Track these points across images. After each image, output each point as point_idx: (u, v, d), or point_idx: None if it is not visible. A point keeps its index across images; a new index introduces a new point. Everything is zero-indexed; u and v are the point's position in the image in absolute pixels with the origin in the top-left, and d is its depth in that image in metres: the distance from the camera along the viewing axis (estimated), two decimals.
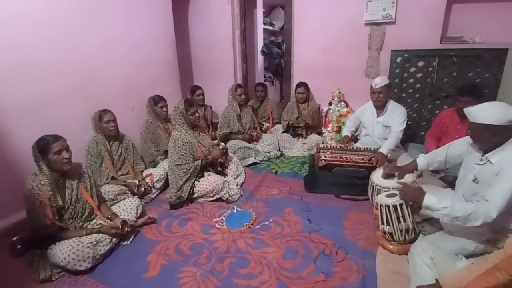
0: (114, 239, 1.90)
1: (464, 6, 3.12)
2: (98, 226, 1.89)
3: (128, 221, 1.96)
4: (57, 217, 1.78)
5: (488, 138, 1.45)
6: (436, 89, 3.21)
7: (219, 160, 2.60)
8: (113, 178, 2.40)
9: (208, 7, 3.93)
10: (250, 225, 2.13)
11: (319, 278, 1.65)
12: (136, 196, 2.36)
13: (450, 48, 3.07)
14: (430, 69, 3.16)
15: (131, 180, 2.48)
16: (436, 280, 1.28)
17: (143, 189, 2.41)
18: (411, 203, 1.71)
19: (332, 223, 2.13)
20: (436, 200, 1.52)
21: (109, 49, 2.63)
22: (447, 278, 1.27)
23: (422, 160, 1.96)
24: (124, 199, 2.21)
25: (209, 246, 1.95)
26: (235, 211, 2.33)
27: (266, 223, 2.17)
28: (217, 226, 2.15)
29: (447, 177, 2.37)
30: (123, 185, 2.38)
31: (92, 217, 1.98)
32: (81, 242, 1.72)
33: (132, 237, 2.02)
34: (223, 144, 2.79)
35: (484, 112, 1.44)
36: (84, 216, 1.92)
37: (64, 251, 1.69)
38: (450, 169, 2.31)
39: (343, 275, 1.67)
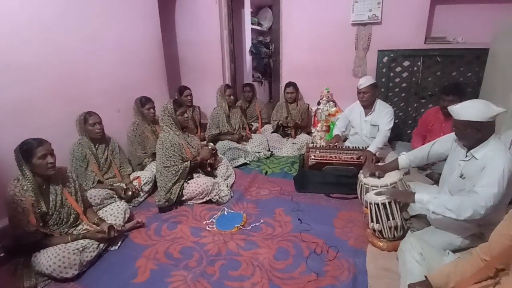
0: (101, 245, 1.85)
1: (447, 7, 3.20)
2: (84, 231, 1.84)
3: (115, 226, 1.91)
4: (41, 224, 1.72)
5: (472, 134, 1.50)
6: (421, 88, 3.28)
7: (208, 161, 2.57)
8: (99, 182, 2.35)
9: (195, 7, 3.89)
10: (240, 227, 2.12)
11: (311, 277, 1.66)
12: (123, 200, 2.31)
13: (434, 48, 3.15)
14: (415, 68, 3.24)
15: (118, 184, 2.43)
16: (425, 277, 1.30)
17: (130, 193, 2.35)
18: (401, 202, 1.74)
19: (323, 222, 2.14)
20: (426, 194, 1.59)
21: (93, 50, 2.56)
22: (435, 274, 1.30)
23: (404, 159, 2.01)
24: (111, 203, 2.16)
25: (199, 249, 1.92)
26: (225, 212, 2.31)
27: (257, 224, 2.16)
28: (207, 228, 2.13)
29: (432, 174, 2.43)
30: (110, 189, 2.32)
31: (78, 222, 1.92)
32: (66, 249, 1.67)
33: (120, 242, 1.98)
34: (211, 144, 2.76)
35: (467, 110, 1.49)
36: (69, 222, 1.86)
37: (49, 259, 1.63)
38: (435, 166, 2.37)
39: (335, 274, 1.68)
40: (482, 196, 1.42)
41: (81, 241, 1.76)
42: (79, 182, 2.03)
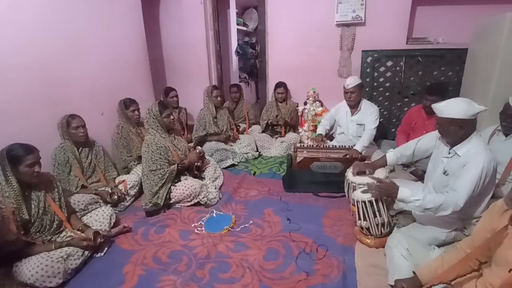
0: (86, 252, 1.79)
1: (428, 8, 3.30)
2: (68, 239, 1.78)
3: (101, 232, 1.86)
4: (22, 232, 1.66)
5: (455, 131, 1.55)
6: (404, 87, 3.36)
7: (196, 164, 2.55)
8: (83, 186, 2.28)
9: (180, 7, 3.85)
10: (230, 228, 2.11)
11: (301, 277, 1.66)
12: (109, 205, 2.25)
13: (416, 48, 3.23)
14: (398, 68, 3.32)
15: (103, 188, 2.36)
16: (414, 272, 1.33)
17: (116, 196, 2.29)
18: (386, 197, 1.77)
19: (312, 221, 2.16)
20: (409, 193, 1.61)
21: (74, 51, 2.48)
22: (422, 268, 1.33)
23: (391, 155, 2.05)
24: (96, 208, 2.11)
25: (188, 253, 1.90)
26: (214, 215, 2.30)
27: (246, 225, 2.16)
28: (196, 231, 2.11)
29: (416, 171, 2.49)
30: (95, 194, 2.25)
31: (62, 229, 1.86)
32: (50, 257, 1.61)
33: (106, 248, 1.92)
34: (199, 147, 2.74)
35: (450, 107, 1.54)
36: (52, 229, 1.80)
37: (32, 268, 1.57)
38: (419, 163, 2.44)
39: (324, 272, 1.69)
40: (461, 193, 1.47)
41: (65, 248, 1.71)
42: (63, 187, 1.97)
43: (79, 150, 2.32)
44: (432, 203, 1.52)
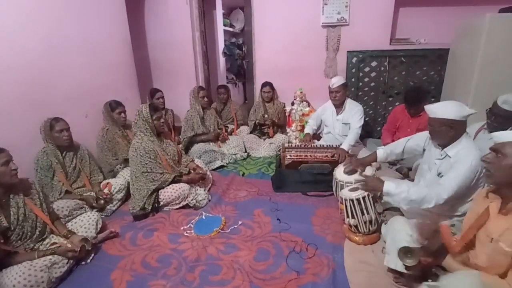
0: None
1: (410, 9, 3.38)
2: (52, 247, 1.72)
3: (89, 239, 1.81)
4: (2, 240, 1.59)
5: (445, 132, 1.60)
6: (388, 87, 3.44)
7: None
8: (67, 192, 2.21)
9: (165, 8, 3.81)
10: (220, 230, 2.09)
11: (292, 276, 1.67)
12: (95, 210, 2.20)
13: (399, 49, 3.31)
14: (382, 68, 3.39)
15: (88, 193, 2.30)
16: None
17: (102, 201, 2.23)
18: (373, 193, 1.80)
19: (301, 221, 2.17)
20: (394, 185, 1.67)
21: (57, 52, 2.41)
22: None
23: (382, 152, 2.09)
24: (81, 214, 2.05)
25: (178, 256, 1.87)
26: (203, 217, 2.28)
27: (236, 226, 2.15)
28: (186, 234, 2.08)
29: (402, 169, 2.56)
30: (80, 199, 2.19)
31: (45, 236, 1.79)
32: (33, 266, 1.55)
33: (93, 255, 1.87)
34: (205, 170, 2.70)
35: (442, 109, 1.60)
36: (34, 236, 1.73)
37: (14, 278, 1.51)
38: (405, 161, 2.49)
39: (315, 271, 1.70)
40: (446, 188, 1.53)
41: (49, 256, 1.65)
42: (45, 193, 1.90)
43: (63, 154, 2.26)
44: (416, 195, 1.59)
